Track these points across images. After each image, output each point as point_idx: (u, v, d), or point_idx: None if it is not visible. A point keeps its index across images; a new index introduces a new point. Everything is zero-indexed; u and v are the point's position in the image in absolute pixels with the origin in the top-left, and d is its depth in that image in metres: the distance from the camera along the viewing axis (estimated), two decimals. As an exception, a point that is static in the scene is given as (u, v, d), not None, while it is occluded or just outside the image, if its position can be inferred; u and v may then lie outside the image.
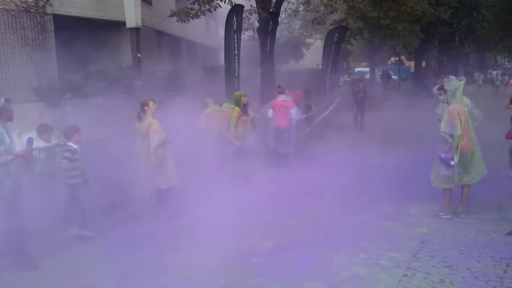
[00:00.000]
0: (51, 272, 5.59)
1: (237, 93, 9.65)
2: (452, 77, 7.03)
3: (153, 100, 7.44)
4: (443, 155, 6.81)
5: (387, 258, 5.54)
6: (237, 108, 9.20)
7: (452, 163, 6.74)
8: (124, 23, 9.74)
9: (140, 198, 7.50)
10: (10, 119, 5.63)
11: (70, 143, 6.50)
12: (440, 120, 7.05)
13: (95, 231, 6.63)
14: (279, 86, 11.19)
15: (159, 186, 7.36)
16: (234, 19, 12.97)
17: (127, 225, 7.05)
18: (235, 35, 13.00)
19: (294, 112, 10.56)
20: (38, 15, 12.99)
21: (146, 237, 6.60)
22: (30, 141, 5.70)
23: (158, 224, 7.14)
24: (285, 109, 10.50)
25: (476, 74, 40.36)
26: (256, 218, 7.20)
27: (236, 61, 13.08)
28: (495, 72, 39.28)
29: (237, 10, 13.13)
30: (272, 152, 10.83)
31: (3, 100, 5.54)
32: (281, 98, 10.68)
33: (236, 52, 12.98)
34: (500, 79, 33.16)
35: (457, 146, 6.73)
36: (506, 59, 72.73)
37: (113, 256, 5.94)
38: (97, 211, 7.18)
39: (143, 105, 7.32)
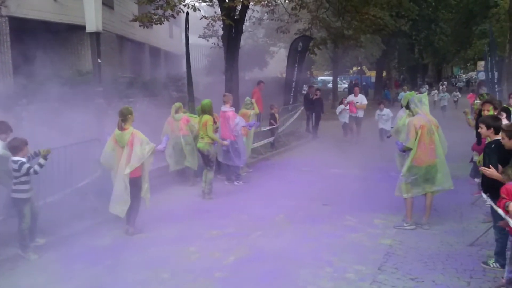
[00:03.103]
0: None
1: (207, 101, 9.12)
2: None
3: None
4: (399, 142, 7.23)
5: (353, 271, 5.48)
6: (210, 116, 8.97)
7: (399, 147, 7.11)
8: (84, 27, 9.36)
9: (116, 214, 7.08)
10: None
11: (18, 158, 5.97)
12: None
13: (42, 248, 6.26)
14: (224, 95, 10.46)
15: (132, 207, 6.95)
16: (187, 25, 12.65)
17: (86, 238, 6.74)
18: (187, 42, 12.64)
19: (237, 121, 9.77)
20: (-8, 17, 12.45)
21: (106, 251, 6.32)
22: None
23: (118, 237, 6.86)
24: (225, 120, 9.79)
25: (423, 88, 31.78)
26: (219, 231, 7.03)
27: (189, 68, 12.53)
28: (444, 86, 30.33)
29: (188, 16, 12.86)
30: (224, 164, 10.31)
31: None
32: (223, 108, 9.96)
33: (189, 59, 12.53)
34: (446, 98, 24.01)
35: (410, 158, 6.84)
36: (462, 71, 75.53)
37: (71, 272, 5.65)
38: (54, 223, 6.86)
39: (128, 113, 6.92)
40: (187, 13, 12.54)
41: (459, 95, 28.80)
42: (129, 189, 6.79)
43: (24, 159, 6.00)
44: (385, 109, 14.49)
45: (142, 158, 6.78)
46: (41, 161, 6.06)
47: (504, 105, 9.31)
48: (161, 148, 7.11)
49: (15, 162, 5.97)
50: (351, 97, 16.03)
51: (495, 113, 7.22)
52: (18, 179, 6.00)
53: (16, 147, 6.01)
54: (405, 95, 8.57)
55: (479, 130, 6.07)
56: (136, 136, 6.81)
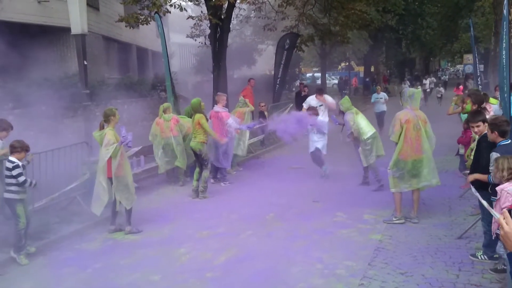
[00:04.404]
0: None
1: (196, 100, 9.12)
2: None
3: (117, 109, 7.22)
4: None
5: (343, 267, 5.50)
6: (201, 114, 8.91)
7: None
8: (69, 29, 9.29)
9: (94, 213, 7.11)
10: None
11: (15, 159, 5.95)
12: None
13: (31, 254, 6.19)
14: (217, 95, 10.40)
15: (125, 207, 7.00)
16: (162, 26, 12.21)
17: (75, 242, 6.70)
18: (166, 42, 12.28)
19: (231, 121, 9.51)
20: (-25, 21, 12.31)
21: (95, 254, 6.29)
22: None
23: (107, 240, 6.83)
24: (218, 120, 9.63)
25: (405, 84, 27.55)
26: (209, 231, 7.02)
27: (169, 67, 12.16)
28: (428, 80, 29.57)
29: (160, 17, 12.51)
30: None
31: None
32: (216, 108, 9.86)
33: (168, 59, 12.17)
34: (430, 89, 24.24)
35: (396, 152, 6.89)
36: (449, 64, 76.00)
37: (60, 276, 5.62)
38: (43, 228, 6.82)
39: (109, 115, 6.96)
40: (156, 12, 12.39)
41: (443, 91, 26.38)
42: (107, 188, 6.91)
43: (20, 163, 5.98)
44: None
45: (104, 158, 6.83)
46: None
47: (491, 97, 9.41)
48: (124, 140, 6.87)
49: (11, 162, 5.94)
50: (310, 100, 10.91)
51: (474, 108, 7.28)
52: (10, 179, 5.95)
53: (15, 147, 5.99)
54: (342, 100, 9.34)
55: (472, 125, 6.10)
56: (106, 136, 6.86)
